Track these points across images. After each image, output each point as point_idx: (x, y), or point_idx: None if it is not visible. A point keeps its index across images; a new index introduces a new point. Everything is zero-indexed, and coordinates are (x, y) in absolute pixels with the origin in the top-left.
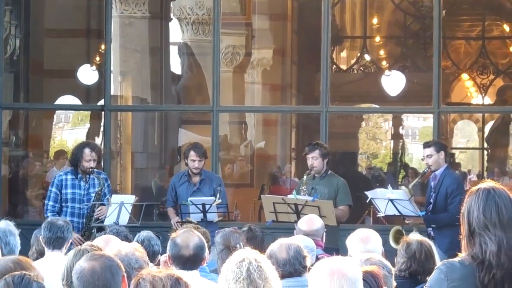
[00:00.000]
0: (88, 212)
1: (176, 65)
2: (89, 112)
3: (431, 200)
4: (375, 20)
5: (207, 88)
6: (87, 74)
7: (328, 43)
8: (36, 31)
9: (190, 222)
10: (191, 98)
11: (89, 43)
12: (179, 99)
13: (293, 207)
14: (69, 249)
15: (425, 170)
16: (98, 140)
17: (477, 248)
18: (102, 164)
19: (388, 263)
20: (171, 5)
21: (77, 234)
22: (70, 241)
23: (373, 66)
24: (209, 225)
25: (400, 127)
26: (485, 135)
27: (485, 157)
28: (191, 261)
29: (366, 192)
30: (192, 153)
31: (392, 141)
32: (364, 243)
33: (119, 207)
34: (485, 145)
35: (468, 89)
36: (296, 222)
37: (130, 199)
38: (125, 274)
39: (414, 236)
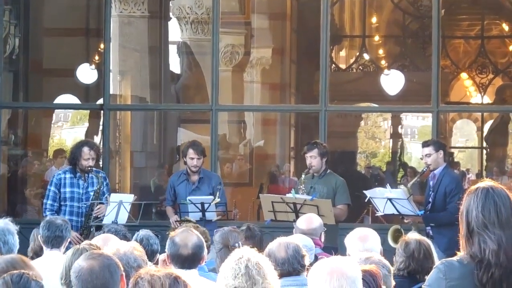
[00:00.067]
0: (87, 210)
1: (175, 64)
2: (88, 111)
3: (430, 199)
4: (374, 20)
5: (206, 87)
6: (86, 73)
7: (327, 42)
8: (35, 30)
9: (189, 221)
10: (190, 97)
11: (88, 42)
12: (178, 98)
13: (291, 206)
14: (67, 248)
15: (424, 169)
16: (97, 139)
17: (476, 247)
18: (101, 163)
19: (386, 262)
20: (170, 4)
21: (75, 232)
22: (69, 240)
23: (372, 65)
24: (208, 224)
25: (399, 126)
26: (484, 134)
27: (484, 156)
28: (189, 260)
29: (365, 191)
30: (190, 151)
31: (391, 140)
32: (363, 242)
33: (118, 206)
34: (484, 144)
35: (467, 88)
36: (294, 221)
37: (129, 198)
38: (123, 273)
39: (413, 235)
